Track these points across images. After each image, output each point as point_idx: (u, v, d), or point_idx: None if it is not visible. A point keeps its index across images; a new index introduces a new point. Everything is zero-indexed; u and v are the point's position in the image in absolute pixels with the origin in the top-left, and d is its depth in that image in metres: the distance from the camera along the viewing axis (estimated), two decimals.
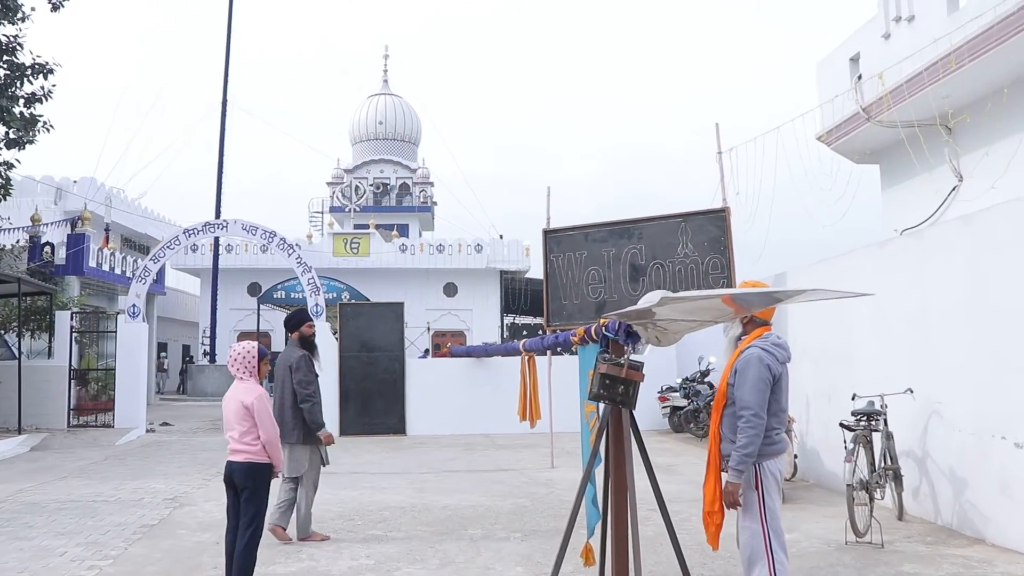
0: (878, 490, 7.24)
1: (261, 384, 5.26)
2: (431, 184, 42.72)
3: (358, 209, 40.29)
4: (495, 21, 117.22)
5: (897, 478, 7.52)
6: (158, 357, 30.14)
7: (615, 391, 4.33)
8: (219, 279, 30.81)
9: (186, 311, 37.51)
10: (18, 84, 15.71)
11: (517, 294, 35.82)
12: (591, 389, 4.41)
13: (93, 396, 17.32)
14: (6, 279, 15.47)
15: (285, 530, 7.03)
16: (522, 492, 9.46)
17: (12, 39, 15.63)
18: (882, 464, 7.40)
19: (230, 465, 5.12)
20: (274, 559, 6.32)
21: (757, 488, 4.45)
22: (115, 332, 17.08)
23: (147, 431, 16.69)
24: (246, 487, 5.07)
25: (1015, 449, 6.31)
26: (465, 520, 7.86)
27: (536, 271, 33.62)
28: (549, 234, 9.92)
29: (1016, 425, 6.33)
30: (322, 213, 40.80)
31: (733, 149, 10.54)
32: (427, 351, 29.51)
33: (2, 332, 17.54)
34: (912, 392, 7.52)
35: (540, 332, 26.35)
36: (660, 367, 15.51)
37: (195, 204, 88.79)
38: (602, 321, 4.80)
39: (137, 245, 29.58)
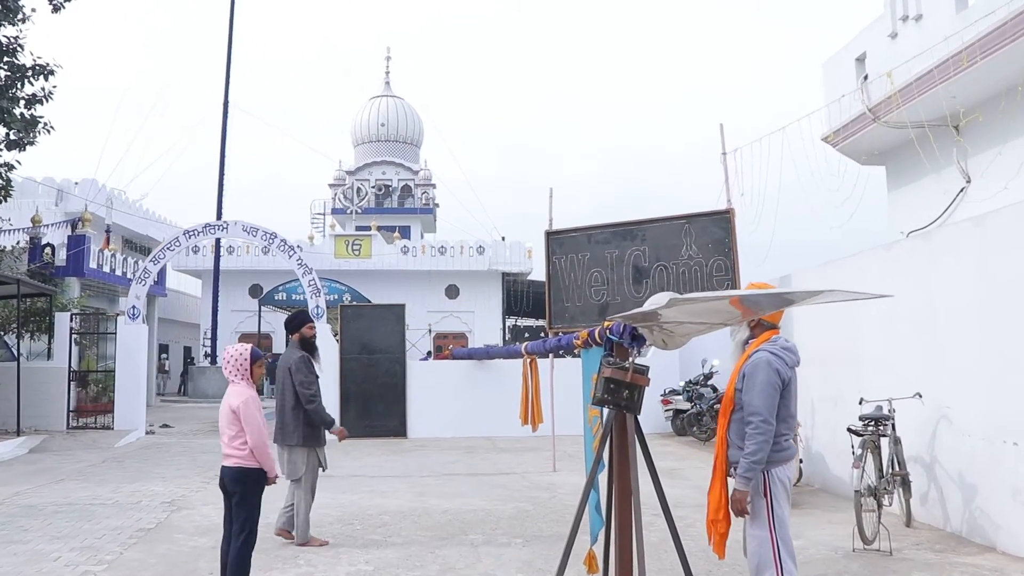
0: (886, 496, 7.12)
1: (256, 387, 5.15)
2: (433, 186, 42.66)
3: (360, 211, 40.21)
4: (497, 22, 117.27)
5: (905, 484, 7.40)
6: (159, 359, 30.03)
7: (619, 396, 4.22)
8: (220, 281, 30.75)
9: (187, 313, 37.45)
10: (19, 85, 15.67)
11: (519, 296, 35.72)
12: (595, 393, 4.30)
13: (93, 398, 17.24)
14: (5, 280, 15.39)
15: (291, 533, 6.95)
16: (523, 496, 9.35)
17: (13, 40, 15.58)
18: (890, 470, 7.28)
19: (222, 470, 5.04)
20: (271, 565, 6.22)
21: (765, 495, 4.34)
22: (115, 334, 17.00)
23: (147, 433, 16.58)
24: (235, 492, 4.98)
25: None
26: (466, 525, 7.76)
27: (538, 273, 33.55)
28: (551, 235, 9.78)
29: None
30: (324, 215, 40.71)
31: (738, 150, 10.44)
32: (429, 353, 29.42)
33: (2, 333, 17.46)
34: (921, 396, 7.40)
35: (542, 334, 26.29)
36: (663, 370, 15.40)
37: (197, 205, 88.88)
38: (606, 324, 4.69)
39: (138, 247, 29.51)
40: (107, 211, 25.17)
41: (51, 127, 16.04)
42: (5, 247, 19.28)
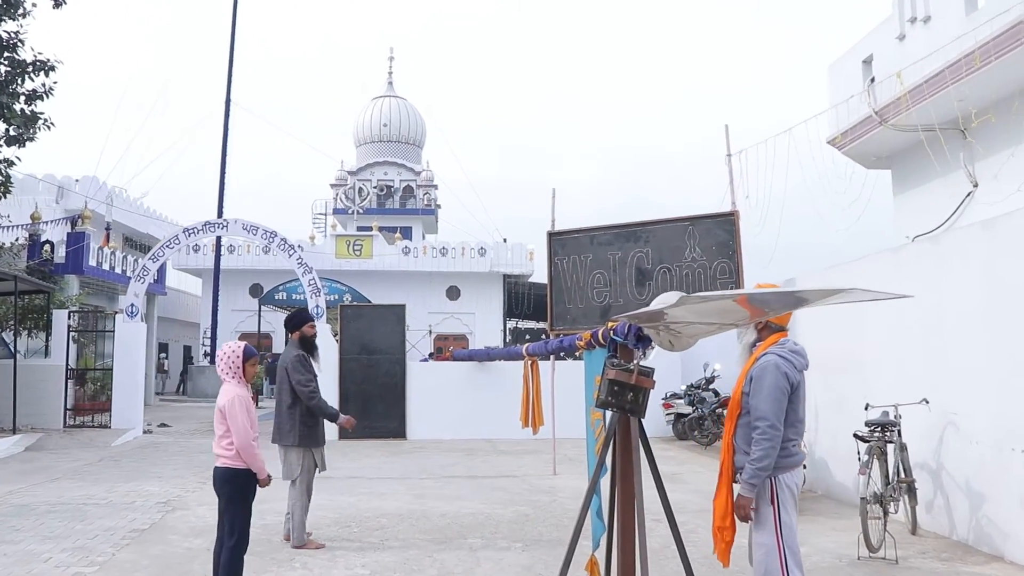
0: (892, 504, 7.02)
1: (251, 386, 5.04)
2: (435, 187, 42.57)
3: (361, 211, 40.13)
4: (499, 24, 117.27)
5: (911, 491, 7.30)
6: (158, 358, 29.92)
7: (624, 398, 4.11)
8: (221, 280, 30.62)
9: (187, 312, 37.34)
10: (19, 81, 15.54)
11: (520, 298, 35.62)
12: (598, 396, 4.19)
13: (91, 396, 17.12)
14: (3, 277, 15.28)
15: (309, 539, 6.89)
16: (523, 500, 9.24)
17: (13, 35, 15.46)
18: (896, 477, 7.17)
19: (213, 471, 4.92)
20: (265, 568, 6.11)
21: (773, 502, 4.23)
22: (113, 332, 16.88)
23: (144, 432, 16.48)
24: (222, 494, 4.87)
25: None
26: (464, 528, 7.65)
27: (539, 275, 33.46)
28: (553, 236, 9.71)
29: None
30: (325, 215, 40.60)
31: (743, 151, 10.33)
32: (431, 355, 29.30)
33: None
34: (928, 402, 7.29)
35: (543, 336, 26.15)
36: (665, 374, 15.26)
37: (198, 204, 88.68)
38: (610, 324, 4.58)
39: (139, 245, 29.40)
40: (107, 208, 25.07)
41: (51, 123, 15.93)
42: (4, 244, 19.16)
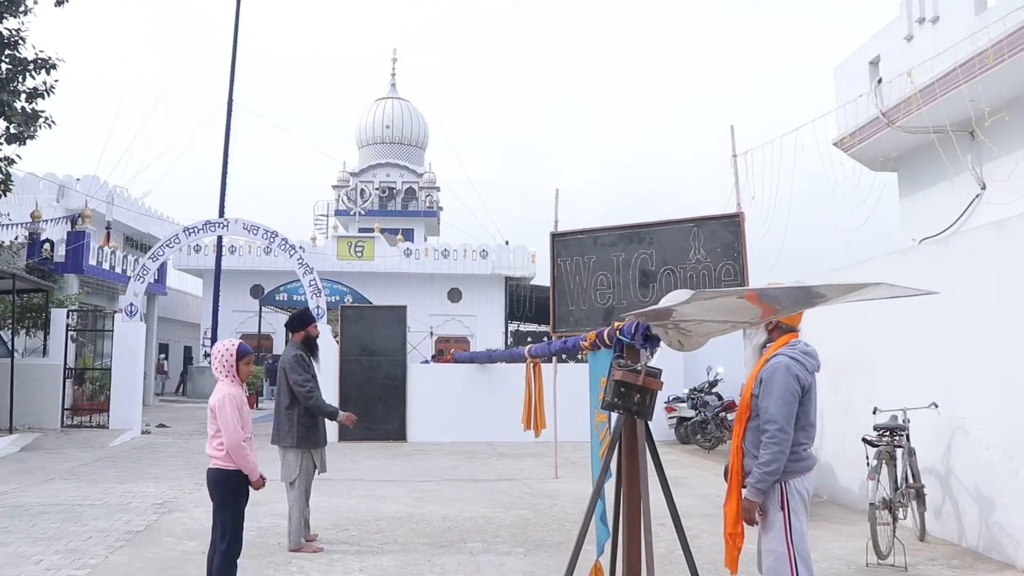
0: (901, 510, 6.88)
1: (245, 385, 4.90)
2: (437, 189, 42.51)
3: (363, 213, 40.07)
4: (502, 26, 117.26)
5: (920, 497, 7.17)
6: (158, 358, 29.79)
7: (630, 400, 3.97)
8: (221, 280, 30.50)
9: (188, 312, 37.25)
10: (20, 79, 15.48)
11: (522, 301, 35.51)
12: (604, 398, 4.06)
13: (89, 396, 17.00)
14: (0, 275, 15.17)
15: (308, 541, 6.78)
16: (525, 503, 9.11)
17: (14, 32, 15.39)
18: (904, 482, 7.05)
19: (206, 473, 4.79)
20: (262, 571, 5.98)
21: (783, 508, 4.10)
22: (112, 331, 16.76)
23: (142, 432, 16.36)
24: (214, 496, 4.74)
25: None
26: (465, 532, 7.52)
27: (541, 278, 33.37)
28: (556, 237, 9.56)
29: None
30: (327, 216, 40.54)
31: (749, 152, 10.22)
32: (433, 357, 29.18)
33: None
34: (937, 406, 7.17)
35: (545, 339, 26.05)
36: (667, 377, 14.90)
37: (199, 204, 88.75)
38: (616, 324, 4.45)
39: (139, 244, 29.31)
40: (108, 208, 24.98)
41: (52, 122, 15.87)
42: (3, 242, 19.07)
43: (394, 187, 42.08)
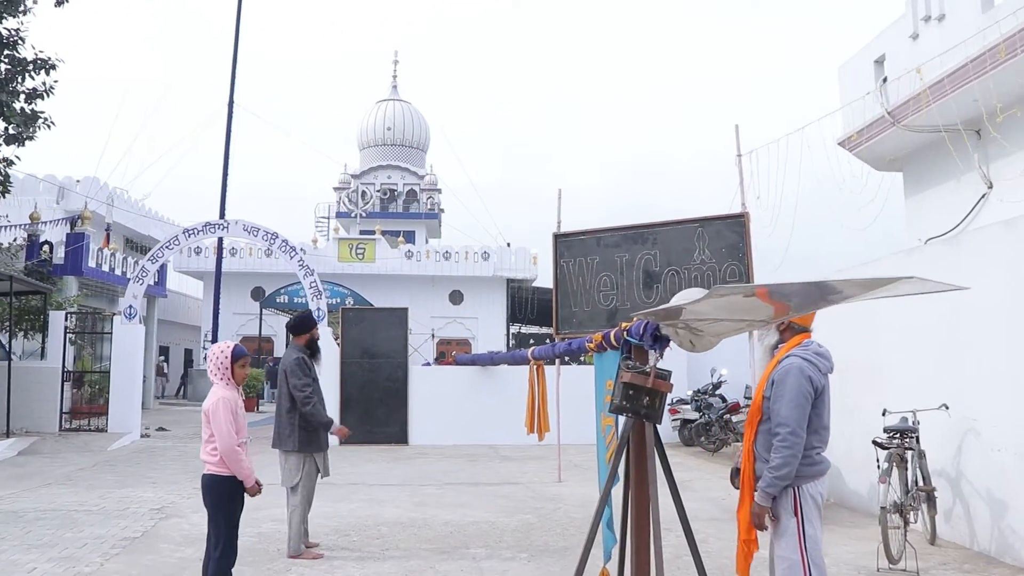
0: (912, 513, 6.77)
1: (240, 388, 4.78)
2: (438, 191, 42.41)
3: (364, 215, 39.97)
4: (503, 29, 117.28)
5: (930, 500, 7.07)
6: (158, 361, 29.68)
7: (639, 403, 3.86)
8: (222, 283, 30.41)
9: (188, 315, 37.15)
10: (19, 79, 15.37)
11: (523, 303, 35.40)
12: (612, 401, 3.93)
13: (88, 399, 16.88)
14: None
15: (309, 548, 6.66)
16: (528, 508, 8.99)
17: (14, 32, 15.29)
18: (915, 485, 6.93)
19: (201, 478, 4.67)
20: None
21: (796, 514, 3.98)
22: (111, 333, 16.64)
23: (142, 436, 16.23)
24: (207, 502, 4.62)
25: None
26: (468, 538, 7.40)
27: (543, 280, 33.26)
28: (559, 238, 9.51)
29: None
30: (328, 218, 40.42)
31: (753, 151, 10.09)
32: (436, 360, 29.05)
33: None
34: (947, 408, 7.05)
35: (547, 341, 25.93)
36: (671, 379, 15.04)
37: (200, 206, 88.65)
38: (624, 325, 4.33)
39: (139, 246, 29.21)
40: (108, 209, 24.87)
41: (52, 123, 15.75)
42: (2, 244, 18.97)
43: (395, 189, 41.99)
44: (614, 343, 4.60)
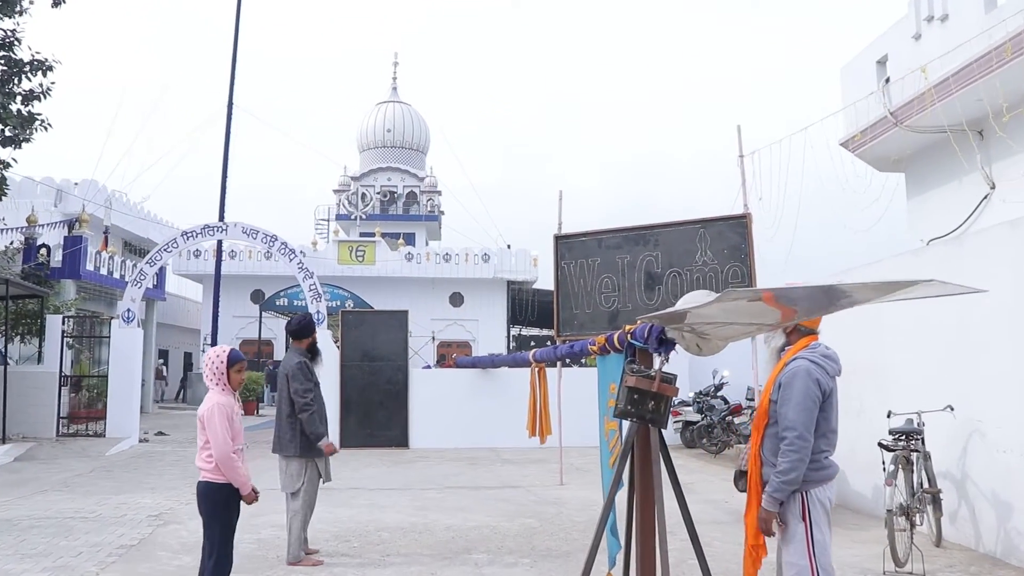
0: (918, 515, 6.70)
1: (237, 392, 4.68)
2: (439, 193, 42.34)
3: (364, 217, 39.91)
4: (504, 30, 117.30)
5: (936, 502, 7.01)
6: (157, 364, 29.60)
7: (644, 407, 3.78)
8: (221, 285, 30.33)
9: (188, 318, 37.07)
10: (16, 80, 15.29)
11: (524, 305, 35.32)
12: (617, 405, 3.86)
13: (86, 404, 16.76)
14: None
15: (308, 555, 6.56)
16: (530, 512, 8.91)
17: (10, 33, 15.22)
18: (921, 487, 6.86)
19: (196, 485, 4.58)
20: None
21: (804, 519, 3.91)
22: (109, 337, 16.54)
23: (140, 441, 16.14)
24: (202, 509, 4.53)
25: None
26: (469, 543, 7.32)
27: (543, 282, 33.20)
28: (560, 239, 9.45)
29: None
30: (328, 220, 40.32)
31: (755, 152, 10.03)
32: (437, 362, 28.97)
33: None
34: (952, 409, 6.99)
35: (548, 343, 25.84)
36: None
37: (199, 209, 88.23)
38: (628, 328, 4.25)
39: (138, 249, 29.09)
40: (106, 212, 24.75)
41: (49, 125, 15.66)
42: None
43: (395, 191, 41.93)
44: (618, 346, 4.52)
